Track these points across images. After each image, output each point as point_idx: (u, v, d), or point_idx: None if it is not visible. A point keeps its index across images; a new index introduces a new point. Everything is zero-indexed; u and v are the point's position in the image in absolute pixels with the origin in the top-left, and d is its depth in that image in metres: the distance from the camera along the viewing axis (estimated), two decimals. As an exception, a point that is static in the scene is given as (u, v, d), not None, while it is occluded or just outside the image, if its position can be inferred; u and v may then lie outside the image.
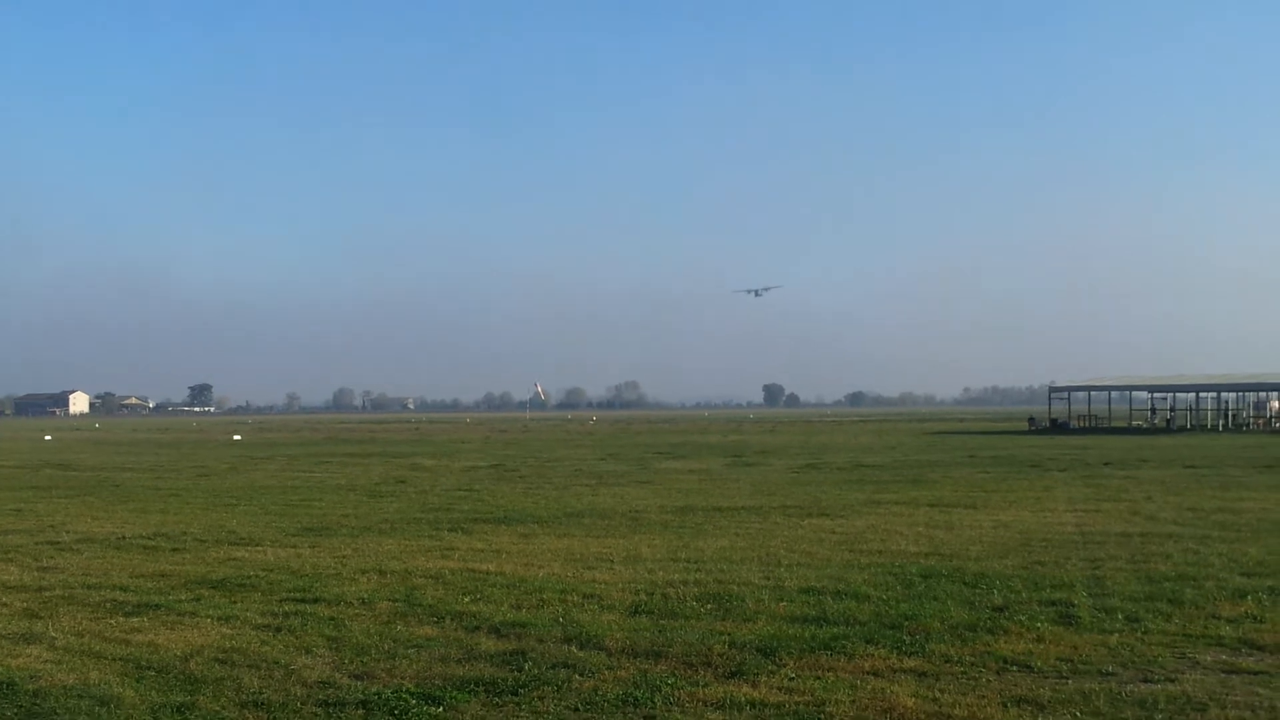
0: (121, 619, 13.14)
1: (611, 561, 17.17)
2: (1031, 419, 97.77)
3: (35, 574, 16.62)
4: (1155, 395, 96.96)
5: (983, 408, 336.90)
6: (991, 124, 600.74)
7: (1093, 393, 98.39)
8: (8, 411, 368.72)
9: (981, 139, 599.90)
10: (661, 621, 12.59)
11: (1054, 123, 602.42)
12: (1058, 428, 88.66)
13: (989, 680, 10.02)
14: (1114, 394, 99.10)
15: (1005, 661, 10.63)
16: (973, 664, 10.56)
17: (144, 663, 10.94)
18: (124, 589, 15.12)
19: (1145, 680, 9.99)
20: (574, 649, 11.28)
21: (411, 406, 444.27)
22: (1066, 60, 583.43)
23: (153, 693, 9.82)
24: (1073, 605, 13.20)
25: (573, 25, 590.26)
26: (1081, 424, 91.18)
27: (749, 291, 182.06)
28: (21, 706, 9.39)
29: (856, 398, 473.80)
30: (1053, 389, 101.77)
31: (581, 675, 10.25)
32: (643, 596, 14.07)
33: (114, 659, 11.13)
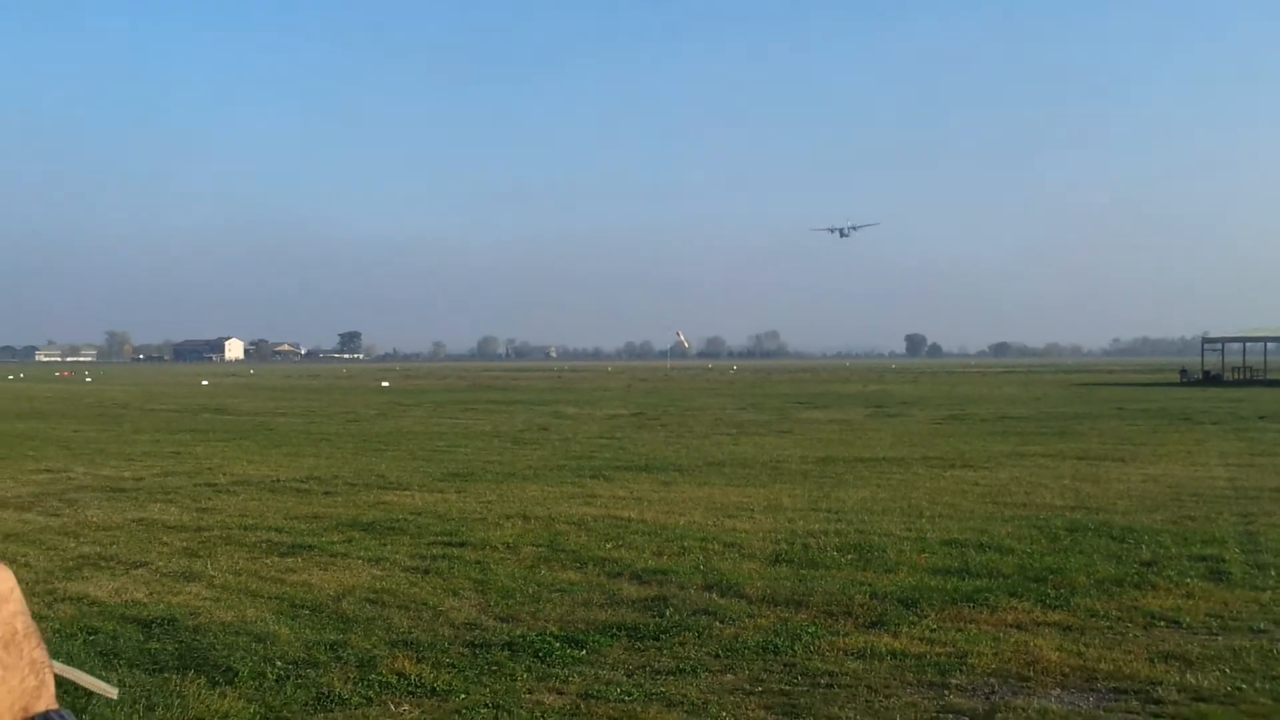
0: (276, 559, 13.57)
1: (752, 510, 17.22)
2: (1183, 370, 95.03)
3: (194, 514, 17.21)
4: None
5: (1132, 359, 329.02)
6: (1145, 66, 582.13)
7: (1248, 344, 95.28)
8: (166, 357, 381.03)
9: (1135, 83, 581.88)
10: (802, 571, 12.62)
11: (1207, 62, 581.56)
12: (1211, 380, 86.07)
13: (1135, 635, 9.88)
14: (1270, 345, 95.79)
15: (1153, 617, 10.47)
16: (1119, 619, 10.42)
17: (298, 601, 11.30)
18: (278, 530, 15.59)
19: (1299, 639, 9.76)
20: (715, 596, 11.37)
21: (554, 355, 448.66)
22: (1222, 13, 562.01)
23: (306, 630, 10.15)
24: (1224, 561, 12.92)
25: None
26: (1236, 376, 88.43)
27: (832, 230, 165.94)
28: (182, 641, 9.76)
29: (1000, 348, 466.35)
30: (1206, 339, 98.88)
31: (722, 622, 10.34)
32: (783, 546, 14.11)
33: (269, 597, 11.51)
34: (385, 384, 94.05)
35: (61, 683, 1.09)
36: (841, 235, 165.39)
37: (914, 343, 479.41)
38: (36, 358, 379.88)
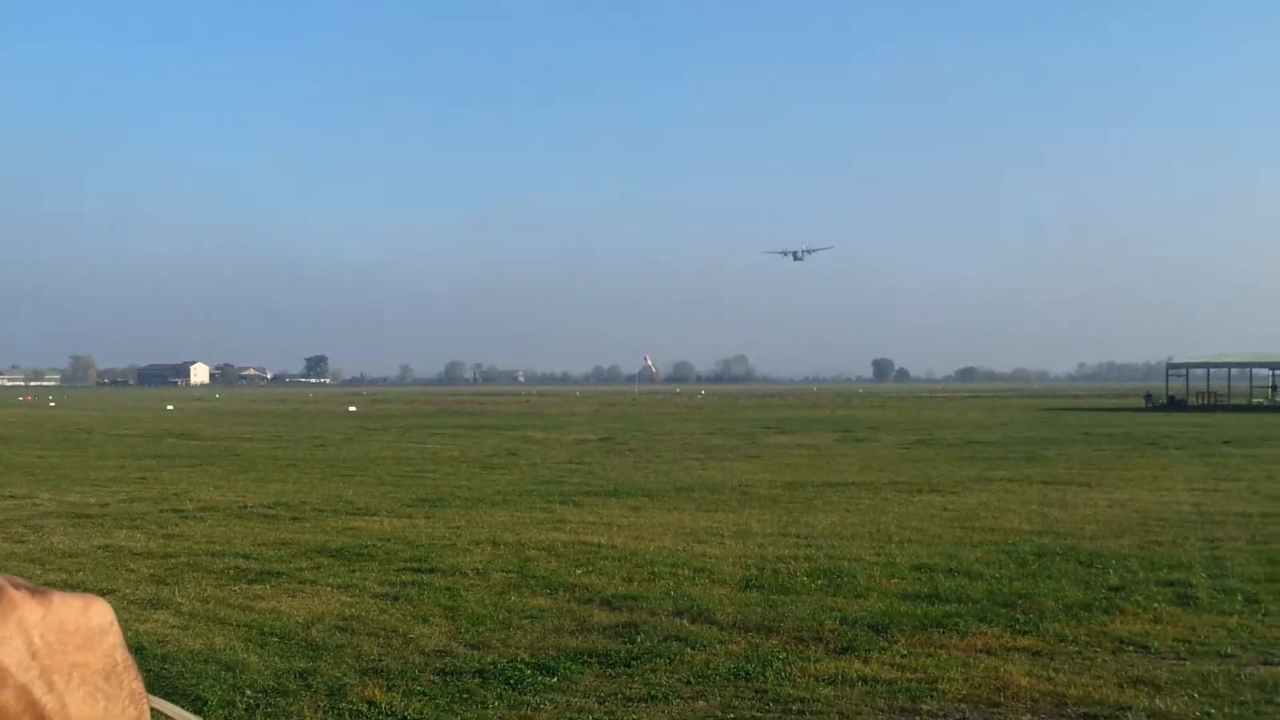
0: (245, 586, 13.48)
1: (722, 536, 17.23)
2: (1148, 396, 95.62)
3: (161, 541, 17.09)
4: (1277, 372, 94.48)
5: (1098, 384, 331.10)
6: (1110, 95, 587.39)
7: (1211, 369, 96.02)
8: (131, 381, 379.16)
9: (1100, 111, 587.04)
10: (772, 596, 12.64)
11: (1174, 92, 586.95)
12: (1175, 405, 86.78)
13: (1104, 660, 9.93)
14: (1234, 371, 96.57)
15: (1121, 642, 10.52)
16: (1088, 644, 10.47)
17: (267, 629, 11.23)
18: (246, 556, 15.50)
19: (1265, 662, 9.84)
20: (685, 623, 11.37)
21: (522, 379, 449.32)
22: (1190, 38, 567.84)
23: (276, 658, 10.09)
24: (1191, 586, 13.00)
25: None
26: (1200, 401, 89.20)
27: (785, 253, 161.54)
28: (150, 670, 9.68)
29: (967, 373, 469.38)
30: (1170, 365, 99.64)
31: (693, 649, 10.34)
32: (753, 571, 14.12)
33: (238, 625, 11.44)
34: (352, 409, 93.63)
35: (156, 715, 1.12)
36: (795, 258, 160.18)
37: (881, 368, 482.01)
38: (0, 382, 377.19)
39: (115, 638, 1.06)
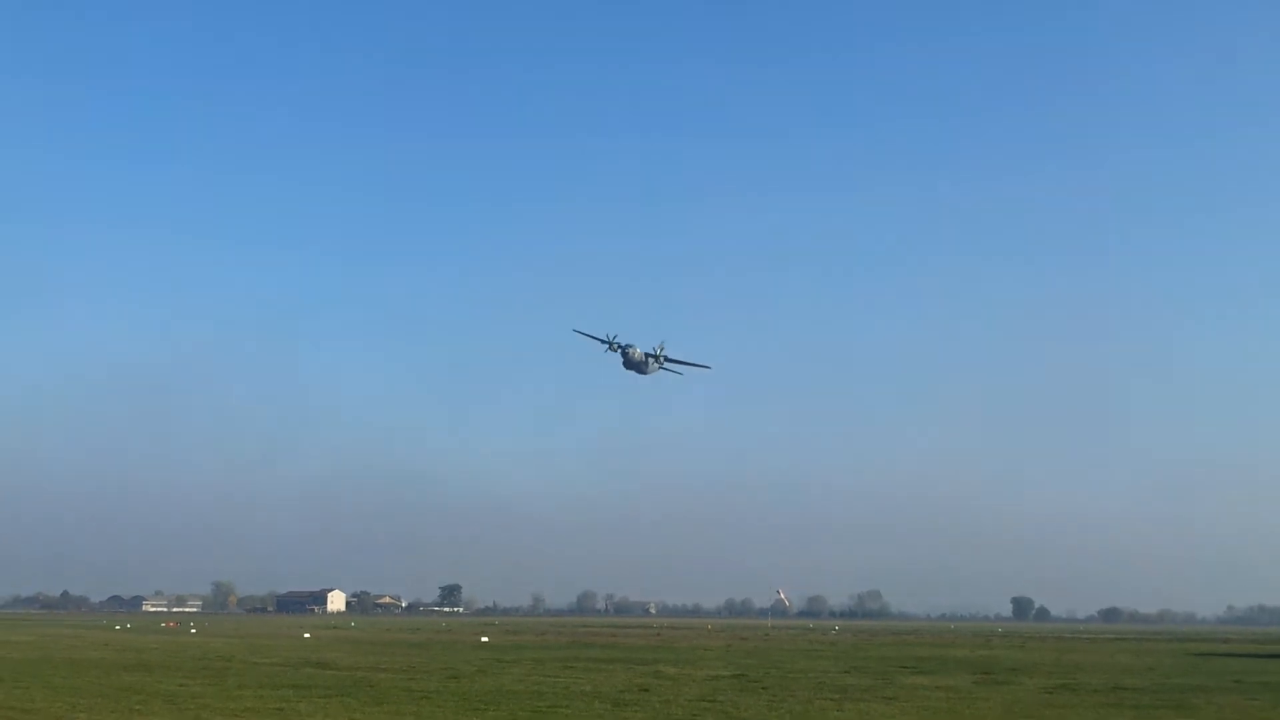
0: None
1: (858, 782, 16.92)
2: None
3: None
4: None
5: (1249, 628, 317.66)
6: (1247, 317, 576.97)
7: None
8: (270, 608, 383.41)
9: (1237, 337, 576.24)
10: None
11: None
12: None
13: None
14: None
15: None
16: None
17: None
18: (383, 792, 15.60)
19: None
20: None
21: (653, 611, 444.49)
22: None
23: None
24: None
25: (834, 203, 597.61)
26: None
27: (612, 348, 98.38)
28: None
29: (1111, 613, 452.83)
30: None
31: None
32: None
33: None
34: (485, 639, 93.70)
35: None
36: (629, 363, 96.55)
37: (1021, 606, 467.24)
38: (144, 608, 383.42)
39: None
